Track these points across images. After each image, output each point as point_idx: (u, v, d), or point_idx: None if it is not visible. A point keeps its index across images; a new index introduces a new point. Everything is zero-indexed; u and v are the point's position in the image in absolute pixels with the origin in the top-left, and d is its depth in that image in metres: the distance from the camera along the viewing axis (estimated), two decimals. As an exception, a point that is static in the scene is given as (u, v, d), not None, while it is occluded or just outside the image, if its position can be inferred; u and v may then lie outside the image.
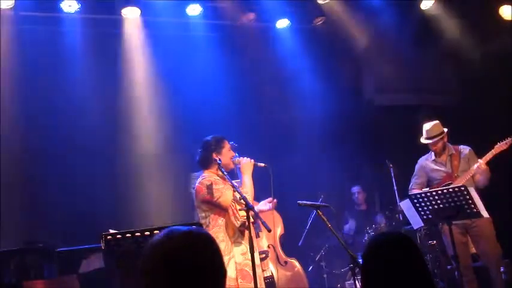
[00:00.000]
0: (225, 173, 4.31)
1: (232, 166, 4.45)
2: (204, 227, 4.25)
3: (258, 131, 7.02)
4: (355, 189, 7.58)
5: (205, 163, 4.42)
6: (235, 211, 4.23)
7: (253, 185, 4.39)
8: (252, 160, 4.40)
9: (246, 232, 4.24)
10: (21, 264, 5.00)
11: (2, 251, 5.00)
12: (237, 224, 4.21)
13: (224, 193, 4.26)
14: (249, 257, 4.14)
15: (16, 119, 6.08)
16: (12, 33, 6.04)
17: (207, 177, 4.35)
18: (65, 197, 6.11)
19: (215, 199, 4.24)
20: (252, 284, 4.03)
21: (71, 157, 6.26)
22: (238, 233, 4.33)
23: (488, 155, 5.50)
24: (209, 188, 4.24)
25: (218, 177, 4.38)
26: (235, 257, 4.27)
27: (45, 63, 6.24)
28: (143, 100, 6.82)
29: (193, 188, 4.42)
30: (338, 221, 4.39)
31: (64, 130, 6.32)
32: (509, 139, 5.48)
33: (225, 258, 4.20)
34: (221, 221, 4.30)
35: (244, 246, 4.30)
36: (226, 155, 4.42)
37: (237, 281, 4.20)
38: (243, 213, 4.13)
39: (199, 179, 4.38)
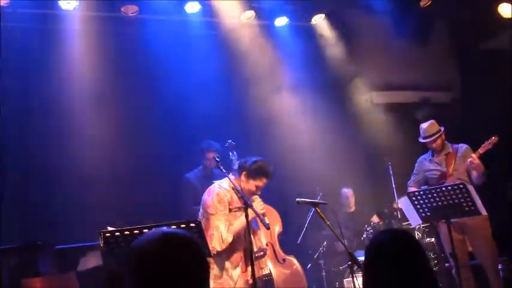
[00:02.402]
0: (224, 171, 4.36)
1: (249, 196, 4.37)
2: (204, 227, 4.32)
3: (257, 129, 7.01)
4: (347, 192, 7.49)
5: (238, 171, 4.44)
6: (210, 237, 4.21)
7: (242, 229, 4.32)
8: (264, 210, 4.36)
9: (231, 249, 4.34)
10: (19, 262, 5.01)
11: (1, 249, 5.00)
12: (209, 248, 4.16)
13: (217, 215, 4.27)
14: (230, 274, 4.35)
15: (15, 118, 6.07)
16: (9, 31, 6.02)
17: (223, 189, 4.37)
18: (64, 195, 6.11)
19: (209, 212, 4.30)
20: None
21: (69, 155, 6.26)
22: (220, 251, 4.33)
23: (475, 154, 5.50)
24: (213, 199, 4.30)
25: (233, 194, 4.37)
26: (213, 269, 4.33)
27: (43, 61, 6.23)
28: (142, 99, 6.81)
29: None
30: (337, 218, 4.38)
31: (63, 128, 6.31)
32: (493, 138, 5.49)
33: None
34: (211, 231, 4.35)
35: (225, 263, 4.38)
36: (252, 187, 4.38)
37: None
38: (216, 244, 4.20)
39: (217, 185, 4.42)
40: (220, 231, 4.25)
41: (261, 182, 4.38)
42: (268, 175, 4.38)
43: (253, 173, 4.35)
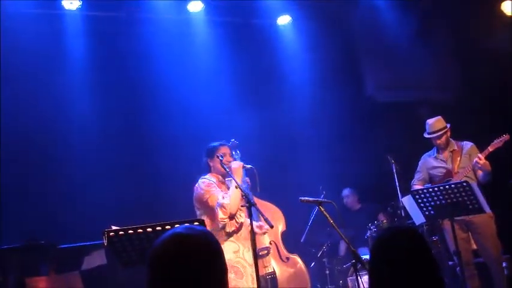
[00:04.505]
0: (227, 169, 4.43)
1: (223, 171, 4.59)
2: (209, 219, 4.42)
3: (259, 128, 7.00)
4: (345, 192, 7.54)
5: (206, 168, 4.72)
6: (216, 214, 4.39)
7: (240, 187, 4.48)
8: (241, 163, 4.61)
9: (241, 232, 4.52)
10: (23, 261, 5.00)
11: (4, 248, 5.00)
12: (219, 225, 4.37)
13: (212, 194, 4.46)
14: (242, 256, 4.44)
15: (17, 116, 6.08)
16: (13, 31, 6.02)
17: (205, 178, 4.60)
18: (67, 194, 6.12)
19: (204, 199, 4.46)
20: (243, 280, 4.35)
21: (72, 154, 6.27)
22: (231, 232, 4.49)
23: (484, 153, 5.49)
24: (202, 188, 4.51)
25: (217, 181, 4.61)
26: (228, 254, 4.39)
27: (47, 61, 6.23)
28: (145, 98, 6.82)
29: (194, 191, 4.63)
30: (341, 217, 4.39)
31: (65, 127, 6.33)
32: (504, 136, 5.47)
33: None
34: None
35: (236, 245, 4.50)
36: (217, 161, 4.59)
37: (229, 277, 4.27)
38: (221, 215, 4.35)
39: (199, 180, 4.60)
40: (220, 202, 4.39)
41: (221, 151, 4.62)
42: (220, 143, 4.69)
43: (210, 151, 4.66)
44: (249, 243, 4.46)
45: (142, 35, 6.77)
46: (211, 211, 4.44)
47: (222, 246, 4.23)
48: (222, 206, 4.37)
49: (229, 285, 4.19)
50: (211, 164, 4.66)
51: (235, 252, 4.43)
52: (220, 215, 4.37)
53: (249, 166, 4.63)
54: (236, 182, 4.34)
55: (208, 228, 4.39)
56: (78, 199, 6.12)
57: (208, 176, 4.66)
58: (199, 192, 4.52)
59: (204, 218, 4.42)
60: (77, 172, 6.25)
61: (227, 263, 4.38)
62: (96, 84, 6.49)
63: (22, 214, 5.86)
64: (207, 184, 4.53)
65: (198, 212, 4.59)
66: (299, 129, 7.41)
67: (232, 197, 4.40)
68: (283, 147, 7.23)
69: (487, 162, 5.44)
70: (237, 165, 4.56)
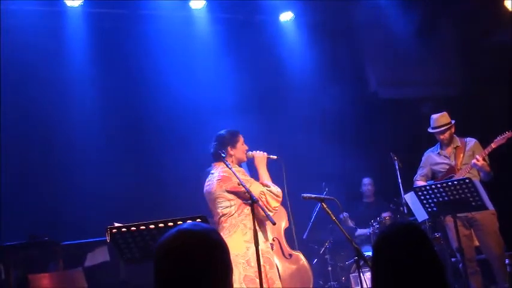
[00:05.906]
0: (229, 166, 4.32)
1: (245, 159, 4.47)
2: (228, 216, 4.25)
3: (263, 124, 7.00)
4: (367, 180, 7.51)
5: (218, 157, 4.38)
6: (265, 203, 4.23)
7: (269, 177, 4.45)
8: (265, 153, 4.45)
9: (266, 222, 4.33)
10: (26, 258, 5.03)
11: (8, 245, 5.02)
12: (270, 214, 4.17)
13: (254, 183, 4.29)
14: (269, 246, 4.34)
15: (19, 112, 6.09)
16: (14, 29, 6.03)
17: (233, 167, 4.31)
18: (69, 191, 6.13)
19: (243, 188, 4.18)
20: (274, 270, 4.24)
21: (74, 151, 6.28)
22: (262, 222, 4.37)
23: (487, 150, 5.48)
24: (238, 177, 4.20)
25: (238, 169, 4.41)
26: (260, 245, 4.25)
27: (48, 58, 6.24)
28: (146, 95, 6.82)
29: (218, 179, 4.31)
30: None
31: (68, 123, 6.34)
32: (508, 133, 5.46)
33: (253, 246, 4.20)
34: (247, 209, 4.25)
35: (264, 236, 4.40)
36: (241, 148, 4.44)
37: (264, 267, 4.24)
38: (275, 203, 4.24)
39: (224, 169, 4.31)
40: (269, 190, 4.27)
41: (242, 139, 4.46)
42: (237, 130, 4.49)
43: (232, 139, 4.41)
44: (267, 236, 4.42)
45: (145, 32, 6.78)
46: (248, 200, 4.18)
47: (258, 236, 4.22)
48: (274, 194, 4.26)
49: (266, 277, 4.21)
50: (232, 152, 4.38)
51: (264, 243, 4.34)
52: (274, 203, 4.23)
53: (274, 157, 4.45)
54: (238, 179, 4.13)
55: (243, 216, 4.30)
56: (80, 196, 6.13)
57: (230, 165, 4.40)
58: (236, 181, 4.19)
59: (236, 207, 4.25)
60: (80, 169, 6.26)
61: (263, 254, 4.34)
62: (98, 81, 6.49)
63: (25, 211, 5.88)
64: (242, 173, 4.32)
65: (226, 203, 4.28)
66: (301, 126, 7.40)
67: (269, 182, 4.34)
68: (285, 144, 7.22)
69: (485, 163, 5.43)
70: (260, 154, 4.38)
